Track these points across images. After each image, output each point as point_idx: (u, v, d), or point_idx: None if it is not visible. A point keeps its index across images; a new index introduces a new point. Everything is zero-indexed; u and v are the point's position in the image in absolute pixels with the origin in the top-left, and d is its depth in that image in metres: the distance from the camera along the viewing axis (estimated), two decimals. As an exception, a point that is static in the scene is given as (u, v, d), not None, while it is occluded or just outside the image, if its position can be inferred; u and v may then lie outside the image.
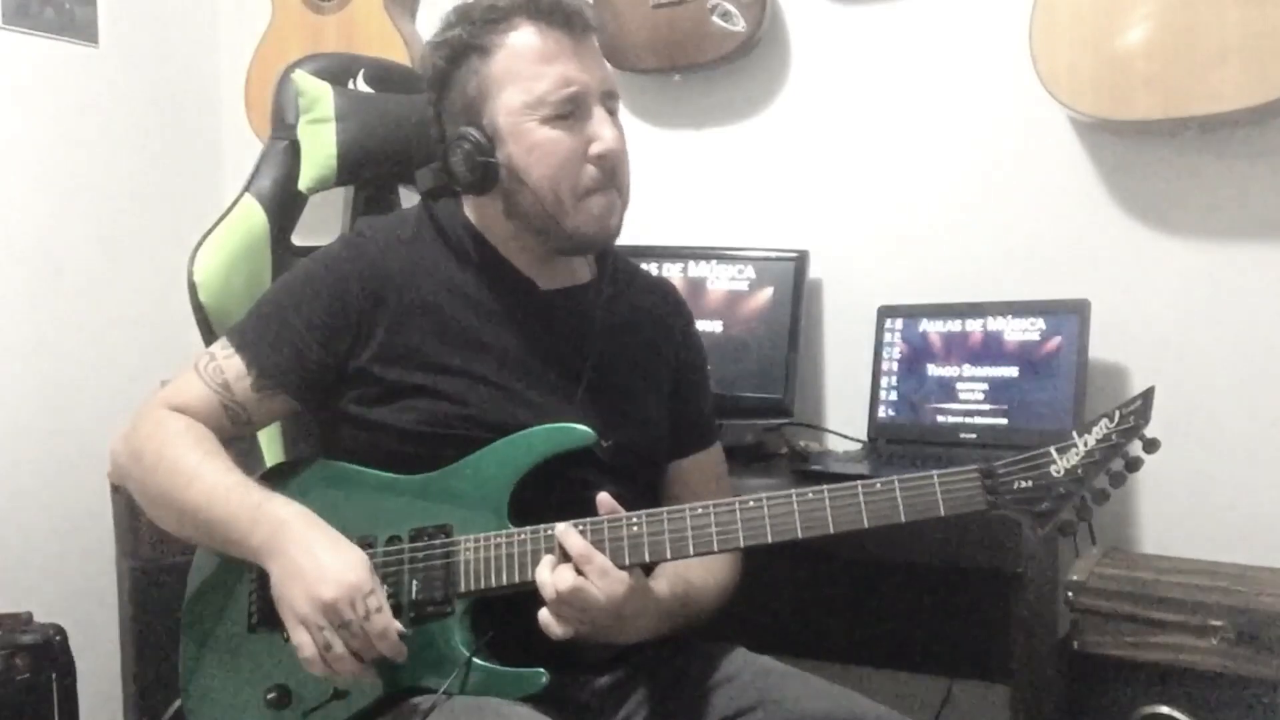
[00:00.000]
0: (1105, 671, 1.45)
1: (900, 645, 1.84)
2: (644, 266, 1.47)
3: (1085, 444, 1.07)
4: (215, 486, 1.15)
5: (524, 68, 1.19)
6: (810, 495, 1.08)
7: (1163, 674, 1.42)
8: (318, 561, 1.08)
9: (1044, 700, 1.40)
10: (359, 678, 1.09)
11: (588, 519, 1.11)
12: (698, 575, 1.24)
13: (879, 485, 1.08)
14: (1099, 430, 1.08)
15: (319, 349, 1.20)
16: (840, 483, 1.09)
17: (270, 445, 1.47)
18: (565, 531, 1.10)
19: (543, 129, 1.19)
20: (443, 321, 1.22)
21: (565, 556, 1.09)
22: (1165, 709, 1.42)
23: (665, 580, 1.20)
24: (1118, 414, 1.08)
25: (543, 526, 1.12)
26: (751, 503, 1.10)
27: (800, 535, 1.08)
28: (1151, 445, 1.08)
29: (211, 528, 1.16)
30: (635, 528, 1.10)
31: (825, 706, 1.13)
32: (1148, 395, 1.09)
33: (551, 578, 1.07)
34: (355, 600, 1.06)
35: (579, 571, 1.07)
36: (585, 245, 1.26)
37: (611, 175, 1.21)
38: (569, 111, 1.19)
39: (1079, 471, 1.07)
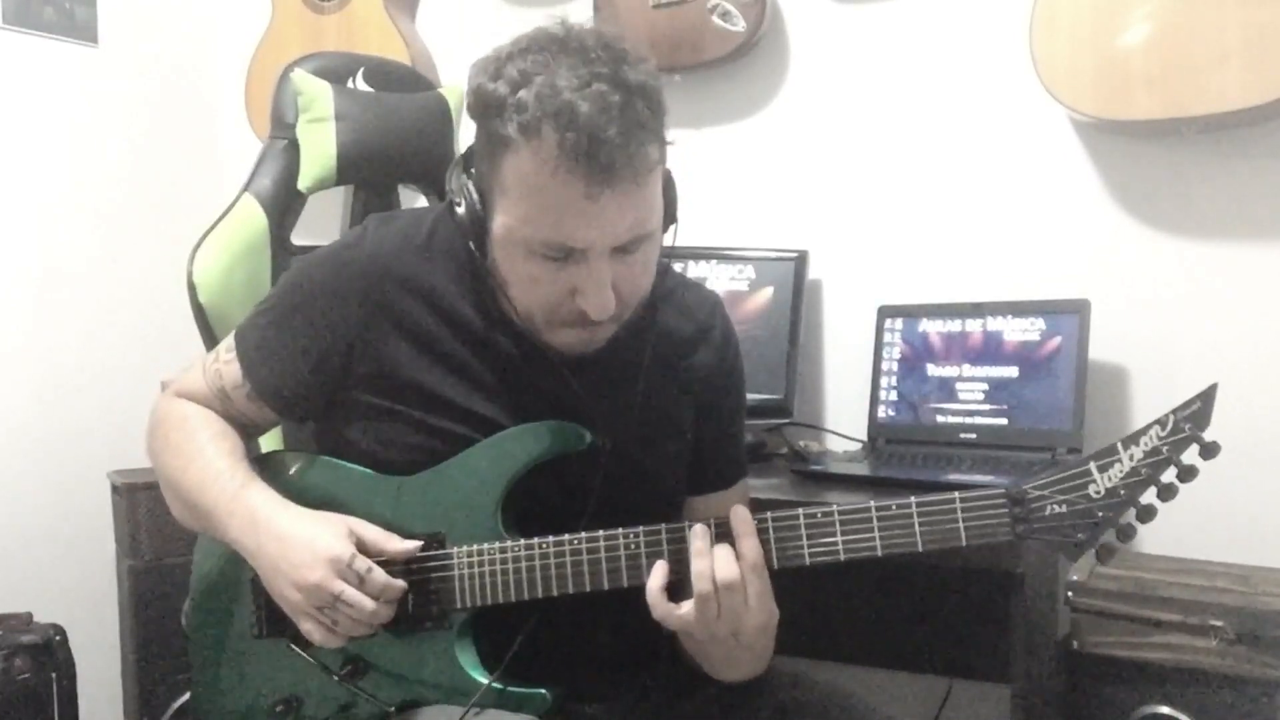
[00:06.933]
0: (1105, 671, 1.45)
1: (900, 645, 1.83)
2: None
3: (1131, 458, 0.94)
4: (206, 470, 1.13)
5: (523, 197, 1.00)
6: (820, 516, 1.01)
7: (1163, 674, 1.42)
8: (289, 546, 1.06)
9: (1044, 700, 1.39)
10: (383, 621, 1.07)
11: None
12: None
13: (894, 507, 0.99)
14: (1147, 442, 0.94)
15: (309, 375, 1.15)
16: (852, 504, 1.01)
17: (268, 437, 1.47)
18: (746, 535, 1.01)
19: (528, 259, 1.03)
20: (440, 353, 1.12)
21: (718, 540, 1.01)
22: (1165, 709, 1.41)
23: None
24: (1171, 420, 0.94)
25: (537, 540, 1.07)
26: (755, 522, 1.02)
27: (809, 562, 1.01)
28: (1209, 451, 0.94)
29: (200, 515, 1.14)
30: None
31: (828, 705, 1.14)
32: (1208, 397, 0.95)
33: (715, 565, 0.99)
34: (342, 572, 1.04)
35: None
36: (564, 357, 1.11)
37: (594, 322, 1.05)
38: (560, 257, 1.01)
39: (1121, 492, 0.94)
